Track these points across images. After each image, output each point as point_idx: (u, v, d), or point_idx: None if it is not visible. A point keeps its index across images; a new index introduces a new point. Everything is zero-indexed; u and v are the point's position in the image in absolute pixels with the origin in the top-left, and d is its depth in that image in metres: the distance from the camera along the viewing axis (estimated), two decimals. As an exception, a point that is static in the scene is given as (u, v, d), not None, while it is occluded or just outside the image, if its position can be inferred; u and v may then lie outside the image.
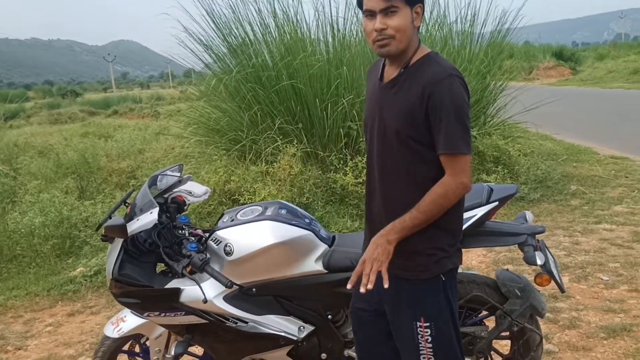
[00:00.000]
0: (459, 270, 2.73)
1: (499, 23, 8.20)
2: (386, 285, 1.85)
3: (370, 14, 1.86)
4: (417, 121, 1.86)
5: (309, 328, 2.57)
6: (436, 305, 2.02)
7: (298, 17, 7.24)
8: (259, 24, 7.32)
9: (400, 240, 1.90)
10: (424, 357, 2.05)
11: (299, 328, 2.56)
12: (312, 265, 2.48)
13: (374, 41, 1.88)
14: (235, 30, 7.32)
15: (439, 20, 8.08)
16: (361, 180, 5.80)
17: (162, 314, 2.49)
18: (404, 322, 2.06)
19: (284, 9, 7.19)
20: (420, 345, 2.04)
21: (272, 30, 7.34)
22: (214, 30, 7.33)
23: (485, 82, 7.71)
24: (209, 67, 7.94)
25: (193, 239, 2.51)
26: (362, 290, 1.84)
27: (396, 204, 1.96)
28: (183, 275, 2.37)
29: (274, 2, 7.18)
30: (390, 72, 1.98)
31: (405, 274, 1.99)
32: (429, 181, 1.90)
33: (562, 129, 10.40)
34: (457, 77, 1.85)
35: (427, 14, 7.79)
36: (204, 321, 2.49)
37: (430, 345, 2.03)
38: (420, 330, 2.02)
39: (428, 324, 2.01)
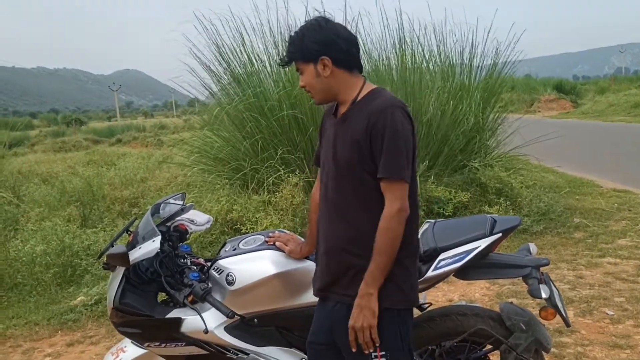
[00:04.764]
0: (462, 303, 2.72)
1: (498, 56, 8.27)
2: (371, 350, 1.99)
3: None
4: (362, 150, 1.98)
5: (311, 360, 2.54)
6: (393, 333, 2.03)
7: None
8: (262, 52, 7.41)
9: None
10: None
11: (301, 360, 2.53)
12: (315, 296, 2.46)
13: None
14: (240, 59, 7.39)
15: (437, 55, 8.14)
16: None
17: (163, 345, 2.46)
18: (359, 351, 2.05)
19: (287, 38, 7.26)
20: None
21: (276, 59, 7.42)
22: (218, 59, 7.42)
23: (485, 114, 7.75)
24: (213, 96, 8.01)
25: (195, 268, 2.49)
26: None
27: (346, 230, 2.05)
28: (184, 305, 2.35)
29: (278, 33, 7.27)
30: (342, 109, 2.12)
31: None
32: (378, 206, 1.97)
33: (564, 162, 10.41)
34: (399, 107, 1.97)
35: (427, 51, 7.88)
36: (204, 352, 2.47)
37: None
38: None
39: (383, 353, 2.02)
